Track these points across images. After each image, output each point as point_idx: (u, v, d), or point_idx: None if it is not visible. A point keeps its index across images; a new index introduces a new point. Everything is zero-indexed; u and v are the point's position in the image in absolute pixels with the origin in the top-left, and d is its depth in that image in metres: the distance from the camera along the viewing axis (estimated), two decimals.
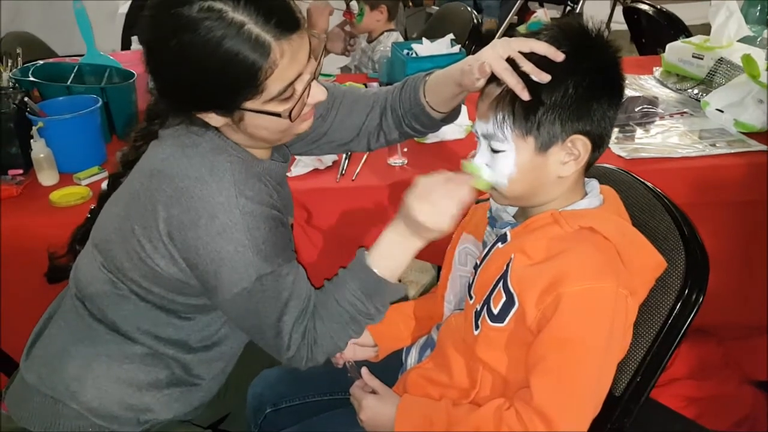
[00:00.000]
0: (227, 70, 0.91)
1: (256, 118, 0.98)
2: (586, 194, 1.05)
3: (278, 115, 0.98)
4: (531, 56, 0.95)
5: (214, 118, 1.00)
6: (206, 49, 0.89)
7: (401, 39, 2.65)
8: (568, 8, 4.80)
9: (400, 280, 1.10)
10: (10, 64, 1.92)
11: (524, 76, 0.94)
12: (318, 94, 1.03)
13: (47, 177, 1.66)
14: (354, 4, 2.60)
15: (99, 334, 1.10)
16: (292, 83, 0.96)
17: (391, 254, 1.07)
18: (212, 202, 0.96)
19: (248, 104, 0.96)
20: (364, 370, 1.18)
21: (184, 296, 1.06)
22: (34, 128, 1.63)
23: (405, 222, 1.04)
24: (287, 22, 0.93)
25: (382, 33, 2.65)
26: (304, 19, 0.97)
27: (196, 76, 0.93)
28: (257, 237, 0.98)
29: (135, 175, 1.05)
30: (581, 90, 0.94)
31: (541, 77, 0.93)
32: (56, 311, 1.17)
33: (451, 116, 1.24)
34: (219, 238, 0.96)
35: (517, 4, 4.36)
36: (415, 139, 1.54)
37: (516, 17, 4.39)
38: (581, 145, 0.96)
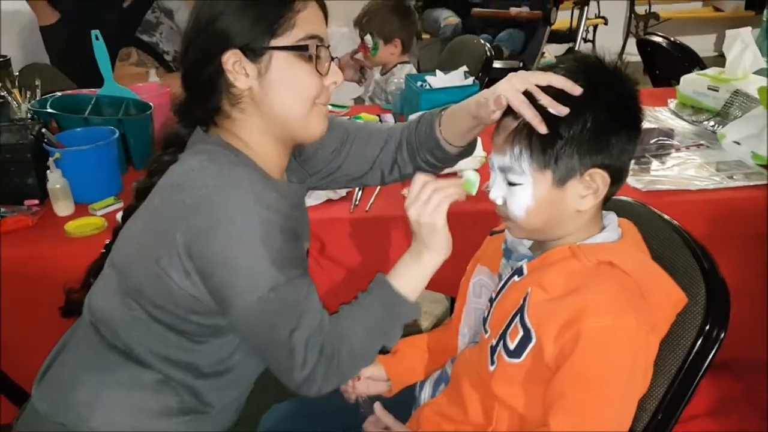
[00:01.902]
0: None
1: (283, 68, 1.02)
2: (604, 227, 1.04)
3: (305, 48, 1.02)
4: (548, 90, 0.95)
5: (241, 78, 1.02)
6: None
7: (414, 71, 2.66)
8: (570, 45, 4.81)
9: None
10: (28, 95, 1.94)
11: (541, 110, 0.94)
12: (337, 73, 1.08)
13: (63, 207, 1.66)
14: (368, 38, 2.62)
15: (110, 360, 1.09)
16: (317, 36, 1.03)
17: (407, 270, 1.08)
18: (231, 207, 0.96)
19: (278, 41, 1.01)
20: (376, 406, 1.17)
21: (198, 315, 1.05)
22: (51, 159, 1.64)
23: (414, 237, 1.06)
24: None
25: (395, 65, 2.67)
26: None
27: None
28: (273, 246, 0.97)
29: (155, 192, 1.06)
30: (600, 123, 0.93)
31: (559, 110, 0.93)
32: (69, 339, 1.17)
33: (467, 151, 1.24)
34: (236, 244, 0.96)
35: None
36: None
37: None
38: (600, 178, 0.95)
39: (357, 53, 2.76)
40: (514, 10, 4.42)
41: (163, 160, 1.11)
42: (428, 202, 1.01)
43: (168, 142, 1.14)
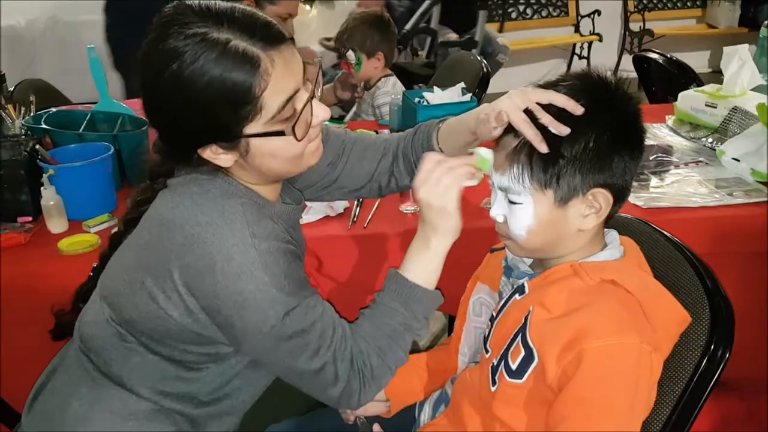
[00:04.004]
0: (222, 90, 0.90)
1: (262, 145, 0.97)
2: (606, 245, 1.02)
3: (281, 133, 0.96)
4: (549, 108, 0.94)
5: (222, 157, 0.98)
6: (196, 72, 0.89)
7: (398, 83, 2.65)
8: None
9: None
10: (23, 111, 1.93)
11: (542, 129, 0.93)
12: (321, 112, 1.01)
13: (56, 225, 1.64)
14: (351, 54, 2.60)
15: (103, 388, 1.06)
16: (290, 99, 0.95)
17: (417, 259, 1.06)
18: (226, 244, 0.94)
19: (250, 128, 0.95)
20: (375, 427, 1.15)
21: (197, 345, 1.03)
22: (45, 176, 1.63)
23: (421, 221, 1.04)
24: (272, 35, 0.93)
25: (379, 79, 2.66)
26: (291, 34, 0.97)
27: (192, 104, 0.92)
28: (278, 273, 0.95)
29: (144, 225, 1.03)
30: (602, 143, 0.92)
31: (560, 130, 0.91)
32: (60, 364, 1.14)
33: None
34: (238, 279, 0.94)
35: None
36: None
37: None
38: (603, 198, 0.94)
39: (349, 75, 2.73)
40: None
41: (153, 188, 1.07)
42: (438, 182, 0.99)
43: (155, 174, 1.08)
